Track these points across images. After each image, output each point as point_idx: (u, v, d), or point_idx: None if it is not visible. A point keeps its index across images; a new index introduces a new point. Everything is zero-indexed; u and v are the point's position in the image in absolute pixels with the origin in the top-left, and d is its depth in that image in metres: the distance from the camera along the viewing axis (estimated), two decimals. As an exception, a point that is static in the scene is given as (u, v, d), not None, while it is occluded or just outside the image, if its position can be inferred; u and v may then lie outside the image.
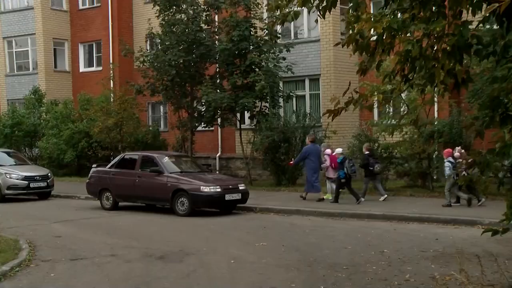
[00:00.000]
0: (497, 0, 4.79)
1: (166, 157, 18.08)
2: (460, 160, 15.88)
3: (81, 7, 33.36)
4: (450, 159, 16.19)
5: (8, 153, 23.51)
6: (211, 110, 22.35)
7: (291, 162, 19.55)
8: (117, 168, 18.28)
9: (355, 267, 9.58)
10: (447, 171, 16.12)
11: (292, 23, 21.63)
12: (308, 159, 18.04)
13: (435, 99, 19.69)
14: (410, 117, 18.05)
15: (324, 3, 5.91)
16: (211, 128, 26.21)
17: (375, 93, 6.64)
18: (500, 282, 7.80)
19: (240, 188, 16.96)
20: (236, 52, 22.27)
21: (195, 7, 23.18)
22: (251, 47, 22.22)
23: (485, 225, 13.13)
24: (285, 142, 21.47)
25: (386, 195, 17.50)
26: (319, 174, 18.15)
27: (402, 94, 15.84)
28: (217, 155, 27.51)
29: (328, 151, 18.23)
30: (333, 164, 17.78)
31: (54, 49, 33.32)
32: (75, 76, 33.64)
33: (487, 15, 5.15)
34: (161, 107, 30.31)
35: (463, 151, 16.33)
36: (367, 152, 17.87)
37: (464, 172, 15.18)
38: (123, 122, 25.96)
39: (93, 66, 33.19)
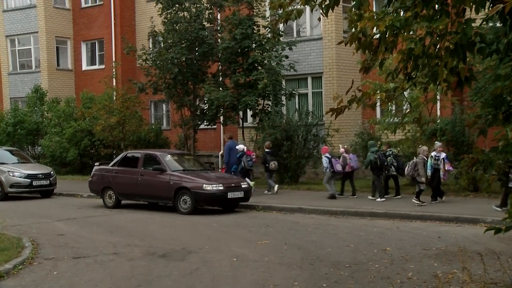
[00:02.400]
0: (501, 0, 4.78)
1: (169, 155, 18.09)
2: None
3: (83, 5, 33.38)
4: (327, 155, 18.24)
5: (11, 151, 23.56)
6: (214, 108, 22.34)
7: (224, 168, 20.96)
8: (119, 166, 18.29)
9: (357, 265, 9.58)
10: (324, 164, 18.12)
11: (295, 21, 21.66)
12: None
13: (438, 97, 19.73)
14: (413, 115, 18.08)
15: (327, 2, 5.90)
16: (213, 126, 26.22)
17: (378, 92, 6.64)
18: (503, 280, 7.79)
19: (243, 186, 16.96)
20: (239, 50, 22.27)
21: (197, 5, 23.16)
22: (254, 45, 22.20)
23: (487, 223, 13.14)
24: (288, 140, 21.46)
25: (276, 189, 19.35)
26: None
27: (404, 92, 15.86)
28: (220, 153, 27.50)
29: (245, 148, 20.03)
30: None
31: (57, 48, 33.34)
32: (78, 75, 33.66)
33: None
34: (164, 105, 30.33)
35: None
36: (267, 150, 20.05)
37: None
38: (125, 120, 25.99)
39: (95, 64, 33.21)
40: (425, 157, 16.21)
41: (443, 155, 16.38)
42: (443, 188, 17.03)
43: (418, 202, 15.90)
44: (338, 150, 19.14)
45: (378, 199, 17.18)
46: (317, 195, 18.95)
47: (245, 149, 19.67)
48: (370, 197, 17.68)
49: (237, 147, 19.69)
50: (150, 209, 17.68)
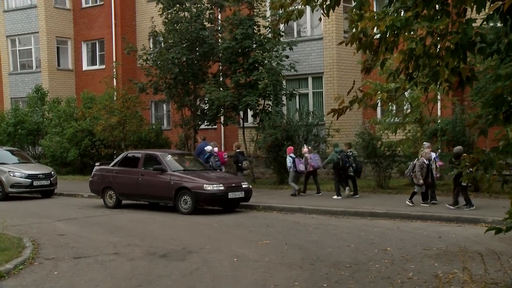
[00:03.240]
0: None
1: (169, 155, 18.09)
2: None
3: (84, 5, 33.39)
4: (292, 155, 19.09)
5: (11, 152, 23.56)
6: (214, 108, 22.35)
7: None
8: (120, 166, 18.29)
9: (358, 265, 9.58)
10: (288, 164, 19.10)
11: (295, 21, 21.69)
12: (202, 154, 20.65)
13: (438, 97, 19.73)
14: (414, 115, 18.09)
15: (328, 2, 5.90)
16: (214, 127, 26.23)
17: (379, 92, 6.63)
18: (503, 280, 7.79)
19: (243, 186, 16.97)
20: (239, 50, 22.28)
21: (198, 5, 23.17)
22: (254, 45, 22.21)
23: (488, 223, 13.13)
24: (288, 140, 21.44)
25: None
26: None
27: (405, 92, 15.86)
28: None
29: (216, 149, 20.92)
30: (221, 160, 20.57)
31: (57, 48, 33.35)
32: (78, 75, 33.67)
33: (491, 13, 5.14)
34: (164, 105, 30.33)
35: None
36: (238, 150, 21.14)
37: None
38: (126, 121, 25.98)
39: (96, 64, 33.22)
40: (425, 160, 16.07)
41: (433, 155, 16.43)
42: (443, 189, 16.99)
43: (410, 203, 15.95)
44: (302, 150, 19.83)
45: (334, 197, 18.07)
46: (317, 195, 18.95)
47: (214, 150, 20.50)
48: (334, 197, 18.18)
49: (205, 148, 20.59)
50: (151, 209, 17.68)
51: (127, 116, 25.95)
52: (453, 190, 15.76)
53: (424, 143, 17.09)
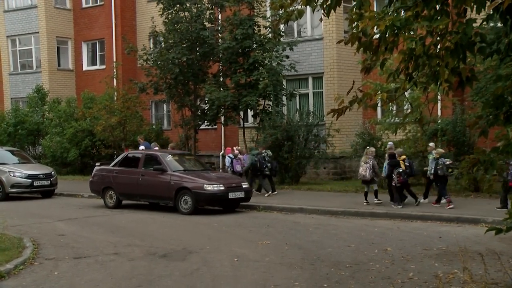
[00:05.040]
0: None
1: (170, 156, 18.09)
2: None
3: (84, 5, 33.40)
4: (230, 155, 19.88)
5: (11, 152, 23.56)
6: (214, 109, 22.35)
7: (128, 150, 23.02)
8: (120, 166, 18.29)
9: (358, 266, 9.58)
10: (227, 164, 19.96)
11: (296, 21, 21.68)
12: None
13: (439, 97, 19.72)
14: (414, 115, 18.09)
15: (329, 2, 5.90)
16: (214, 127, 26.22)
17: (379, 92, 6.63)
18: (504, 280, 7.79)
19: (243, 186, 16.97)
20: (240, 51, 22.27)
21: (198, 5, 23.17)
22: (255, 45, 22.20)
23: (488, 223, 13.13)
24: (288, 140, 21.47)
25: None
26: None
27: (405, 93, 15.86)
28: (221, 153, 27.50)
29: (156, 148, 21.57)
30: None
31: (58, 48, 33.36)
32: (79, 75, 33.68)
33: (491, 12, 5.14)
34: (164, 106, 30.33)
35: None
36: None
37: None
38: (126, 121, 25.99)
39: (96, 64, 33.23)
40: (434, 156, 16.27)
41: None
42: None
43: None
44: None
45: (266, 195, 19.13)
46: (318, 195, 18.96)
47: (155, 149, 21.16)
48: (266, 195, 19.17)
49: (140, 147, 21.79)
50: (151, 209, 17.68)
51: (127, 116, 25.96)
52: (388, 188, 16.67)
53: (388, 143, 17.61)
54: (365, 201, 16.57)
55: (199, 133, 25.21)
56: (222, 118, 23.64)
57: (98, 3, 32.82)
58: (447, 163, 15.93)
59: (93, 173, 19.16)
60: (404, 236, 12.33)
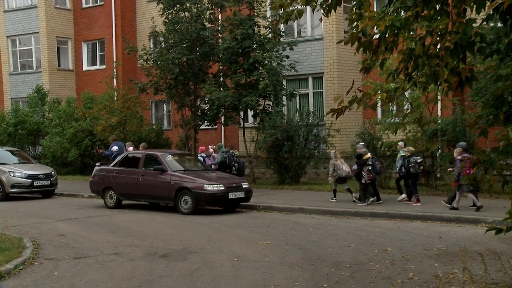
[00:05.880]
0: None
1: (170, 156, 18.08)
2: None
3: (84, 5, 33.43)
4: (203, 154, 20.76)
5: (11, 152, 23.55)
6: (215, 109, 22.35)
7: (100, 150, 23.97)
8: (120, 166, 18.29)
9: (358, 266, 9.58)
10: (207, 162, 20.21)
11: (296, 21, 21.68)
12: (118, 155, 21.05)
13: (439, 97, 19.72)
14: (414, 115, 18.09)
15: (329, 2, 5.90)
16: (214, 127, 26.23)
17: (379, 92, 6.63)
18: (504, 280, 7.79)
19: (244, 186, 16.96)
20: (240, 51, 22.27)
21: (198, 5, 23.17)
22: (255, 45, 22.20)
23: (488, 223, 13.14)
24: (289, 141, 21.46)
25: None
26: None
27: (405, 93, 15.87)
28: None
29: (131, 148, 21.40)
30: None
31: (58, 48, 33.38)
32: (79, 75, 33.69)
33: (491, 12, 5.14)
34: (165, 106, 30.35)
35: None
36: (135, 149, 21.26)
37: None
38: (126, 121, 25.98)
39: (96, 64, 33.25)
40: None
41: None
42: (443, 189, 16.98)
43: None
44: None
45: None
46: (318, 196, 18.96)
47: (129, 149, 21.28)
48: None
49: (112, 148, 22.08)
50: (151, 209, 17.68)
51: (128, 116, 25.95)
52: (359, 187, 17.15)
53: (358, 145, 18.08)
54: (334, 198, 17.49)
55: (199, 133, 25.22)
56: (222, 118, 23.65)
57: (98, 3, 32.84)
58: (419, 161, 16.52)
59: (93, 173, 19.17)
60: (404, 236, 12.33)
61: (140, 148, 21.62)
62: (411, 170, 16.31)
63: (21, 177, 20.84)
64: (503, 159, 6.00)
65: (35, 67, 33.43)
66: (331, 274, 9.02)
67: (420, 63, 5.63)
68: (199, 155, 21.09)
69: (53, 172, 21.85)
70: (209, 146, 21.62)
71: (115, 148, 21.85)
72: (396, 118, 19.81)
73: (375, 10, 14.88)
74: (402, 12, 5.72)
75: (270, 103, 22.46)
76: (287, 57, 22.10)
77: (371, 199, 16.63)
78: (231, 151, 20.73)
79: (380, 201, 16.82)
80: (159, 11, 23.94)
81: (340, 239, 12.08)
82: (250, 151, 23.56)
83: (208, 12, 23.63)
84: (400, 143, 17.48)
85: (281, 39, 22.59)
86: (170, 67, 22.96)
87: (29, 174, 20.97)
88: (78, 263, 10.11)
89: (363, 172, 16.63)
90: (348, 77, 23.43)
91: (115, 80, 28.62)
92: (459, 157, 15.07)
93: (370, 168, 16.56)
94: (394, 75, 6.07)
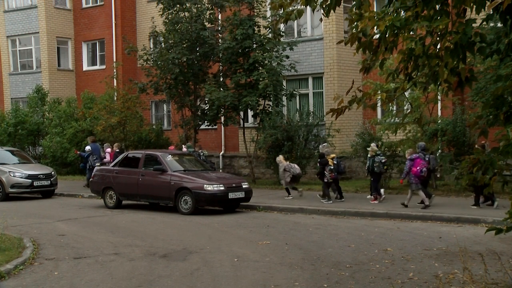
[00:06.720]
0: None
1: (170, 156, 18.08)
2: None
3: (84, 5, 33.40)
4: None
5: (11, 152, 23.56)
6: (215, 109, 22.35)
7: (78, 152, 24.92)
8: (120, 166, 18.30)
9: (358, 266, 9.58)
10: None
11: (296, 21, 21.68)
12: (92, 155, 22.55)
13: (439, 97, 19.71)
14: (414, 115, 18.09)
15: (328, 2, 5.90)
16: (214, 127, 26.23)
17: (379, 92, 6.63)
18: (504, 280, 7.79)
19: (244, 186, 16.96)
20: (240, 51, 22.27)
21: (198, 6, 23.18)
22: (255, 45, 22.20)
23: (488, 223, 13.14)
24: (289, 141, 21.45)
25: None
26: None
27: (405, 93, 15.88)
28: (221, 153, 27.53)
29: (108, 149, 22.36)
30: (111, 159, 21.57)
31: (58, 48, 33.36)
32: (79, 75, 33.68)
33: (491, 12, 5.14)
34: (165, 106, 30.33)
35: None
36: (117, 150, 22.14)
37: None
38: (126, 121, 25.97)
39: (96, 64, 33.23)
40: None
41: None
42: (443, 189, 16.98)
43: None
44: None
45: None
46: (318, 195, 18.94)
47: (107, 150, 22.47)
48: None
49: (86, 148, 23.26)
50: (151, 210, 17.68)
51: (128, 116, 25.93)
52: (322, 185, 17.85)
53: (322, 145, 18.64)
54: (290, 195, 18.32)
55: (199, 133, 25.21)
56: (222, 118, 23.64)
57: (98, 3, 32.82)
58: (383, 161, 17.32)
59: (93, 173, 19.18)
60: (404, 236, 12.33)
61: (114, 148, 22.46)
62: (375, 169, 17.00)
63: (21, 177, 20.85)
64: (503, 159, 6.00)
65: (35, 67, 33.42)
66: (331, 274, 9.02)
67: (420, 63, 5.63)
68: None
69: (53, 172, 21.86)
70: (183, 145, 22.23)
71: (87, 148, 23.06)
72: (396, 118, 19.81)
73: (375, 10, 14.88)
74: (402, 12, 5.72)
75: (270, 103, 22.46)
76: (287, 57, 22.10)
77: (334, 195, 17.55)
78: (200, 151, 21.32)
79: (343, 199, 17.42)
80: (159, 11, 23.94)
81: (340, 239, 12.09)
82: (250, 151, 23.56)
83: (208, 12, 23.64)
84: (373, 145, 17.74)
85: (281, 39, 22.60)
86: (170, 67, 22.96)
87: (29, 174, 20.97)
88: (78, 263, 10.11)
89: (325, 172, 17.35)
90: (348, 77, 23.42)
91: (115, 80, 28.61)
92: (409, 157, 15.96)
93: (332, 167, 17.26)
94: (394, 75, 6.07)
